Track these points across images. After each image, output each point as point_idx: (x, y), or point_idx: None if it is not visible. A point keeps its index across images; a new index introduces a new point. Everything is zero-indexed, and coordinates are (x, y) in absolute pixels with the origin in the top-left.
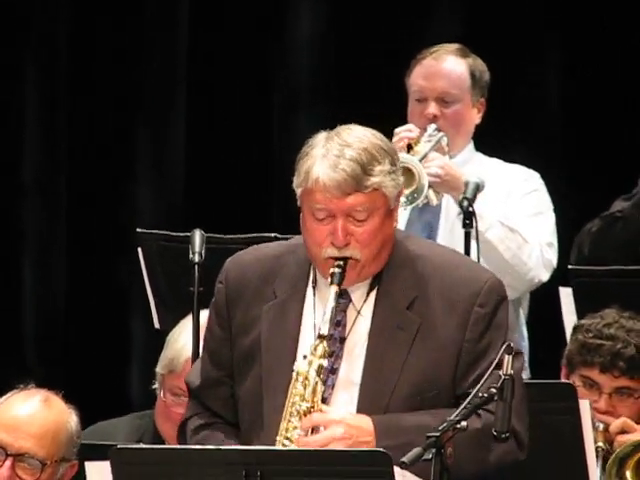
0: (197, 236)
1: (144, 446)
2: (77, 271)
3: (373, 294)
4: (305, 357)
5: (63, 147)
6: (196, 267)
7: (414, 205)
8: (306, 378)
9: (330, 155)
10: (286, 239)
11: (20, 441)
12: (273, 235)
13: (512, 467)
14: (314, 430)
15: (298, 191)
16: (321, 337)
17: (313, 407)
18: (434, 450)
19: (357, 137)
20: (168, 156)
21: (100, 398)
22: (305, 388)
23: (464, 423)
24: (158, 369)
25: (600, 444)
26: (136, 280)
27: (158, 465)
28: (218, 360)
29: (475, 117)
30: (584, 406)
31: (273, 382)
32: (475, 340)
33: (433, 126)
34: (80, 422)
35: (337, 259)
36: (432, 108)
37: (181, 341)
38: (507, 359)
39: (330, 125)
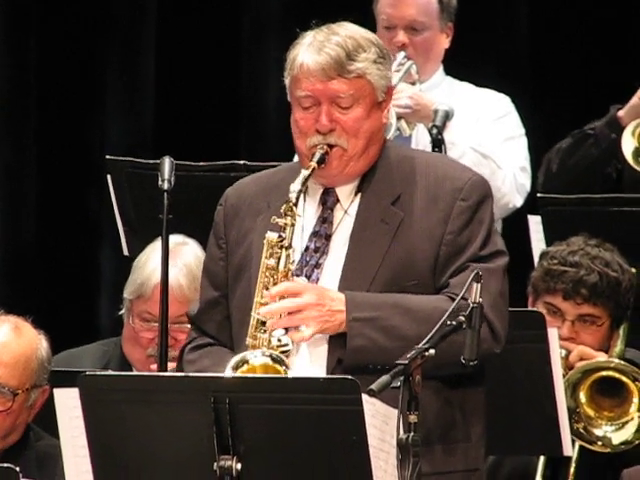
0: (166, 163)
1: (113, 373)
2: (46, 199)
3: (360, 194)
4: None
5: (32, 74)
6: (165, 194)
7: None
8: (276, 246)
9: (316, 42)
10: (257, 167)
11: None
12: (242, 162)
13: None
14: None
15: (287, 82)
16: (288, 202)
17: (285, 276)
18: (402, 378)
19: (347, 28)
20: (138, 84)
21: (69, 326)
22: (277, 259)
23: (432, 351)
24: (126, 294)
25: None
26: (105, 207)
27: (126, 392)
28: (214, 280)
29: (444, 42)
30: (552, 334)
31: None
32: (456, 233)
33: (402, 54)
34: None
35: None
36: (401, 36)
37: (150, 266)
38: (475, 287)
39: None
